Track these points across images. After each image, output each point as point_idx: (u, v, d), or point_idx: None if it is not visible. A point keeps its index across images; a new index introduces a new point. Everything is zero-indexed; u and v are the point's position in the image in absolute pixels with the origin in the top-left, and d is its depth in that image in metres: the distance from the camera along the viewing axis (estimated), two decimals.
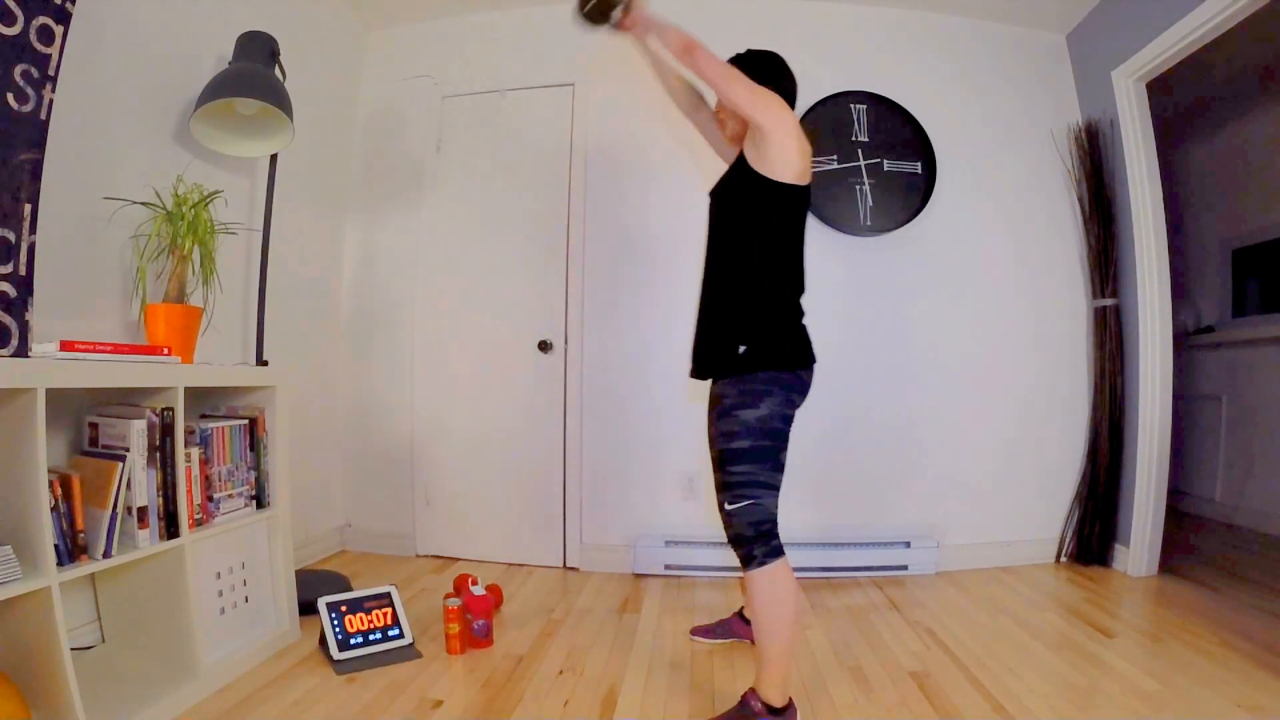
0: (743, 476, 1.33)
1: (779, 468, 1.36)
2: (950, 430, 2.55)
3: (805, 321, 1.44)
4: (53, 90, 1.42)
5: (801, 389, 1.40)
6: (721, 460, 1.36)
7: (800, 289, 1.44)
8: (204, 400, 1.80)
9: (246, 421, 1.72)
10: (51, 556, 1.15)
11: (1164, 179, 2.45)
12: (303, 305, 2.50)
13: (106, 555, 1.28)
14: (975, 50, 2.66)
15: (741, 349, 1.35)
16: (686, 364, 2.47)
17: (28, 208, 1.38)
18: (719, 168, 2.57)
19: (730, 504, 1.34)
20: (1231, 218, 3.39)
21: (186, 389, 1.48)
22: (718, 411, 1.38)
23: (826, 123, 2.55)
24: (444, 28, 2.77)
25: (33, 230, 1.39)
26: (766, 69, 1.50)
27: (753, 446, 1.33)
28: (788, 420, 1.37)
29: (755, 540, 1.31)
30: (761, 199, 1.38)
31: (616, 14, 1.50)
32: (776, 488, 1.36)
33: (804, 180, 1.39)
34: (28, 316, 1.39)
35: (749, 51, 1.55)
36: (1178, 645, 1.77)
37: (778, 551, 1.32)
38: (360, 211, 2.78)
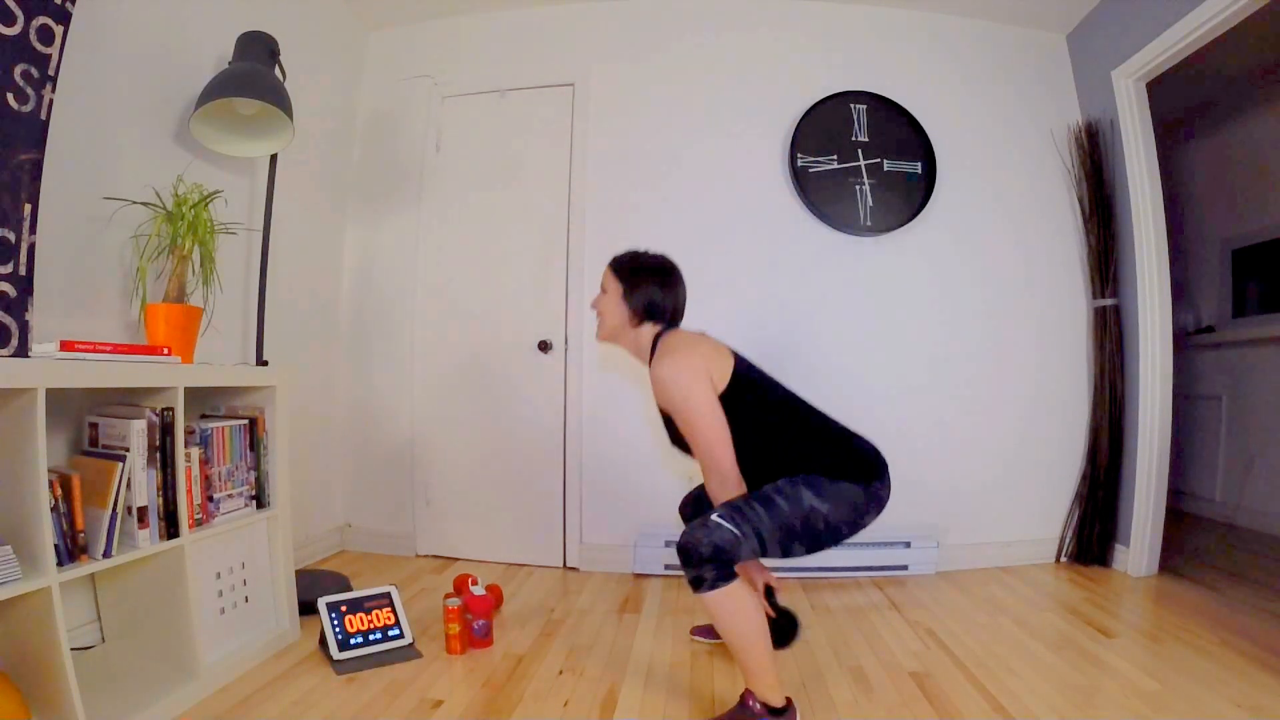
0: (756, 519, 1.28)
1: (784, 550, 1.32)
2: (950, 430, 2.55)
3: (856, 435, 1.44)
4: (53, 90, 1.43)
5: (874, 504, 1.37)
6: (754, 497, 1.32)
7: (822, 417, 1.44)
8: (204, 400, 1.80)
9: (246, 421, 1.72)
10: (51, 556, 1.15)
11: (1164, 179, 2.44)
12: (303, 305, 2.50)
13: (106, 555, 1.28)
14: (975, 50, 2.66)
15: (825, 462, 1.36)
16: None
17: (28, 208, 1.38)
18: (719, 166, 2.58)
19: (722, 519, 1.26)
20: (1231, 218, 3.39)
21: (186, 389, 1.48)
22: (788, 475, 1.36)
23: (827, 123, 2.55)
24: (444, 28, 2.77)
25: (33, 230, 1.39)
26: (644, 288, 1.49)
27: (787, 514, 1.29)
28: (834, 531, 1.33)
29: (708, 562, 1.23)
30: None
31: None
32: (764, 553, 1.31)
33: (727, 371, 1.39)
34: (28, 316, 1.39)
35: (636, 264, 1.52)
36: (1178, 645, 1.77)
37: (729, 576, 1.25)
38: (360, 211, 2.78)
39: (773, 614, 1.50)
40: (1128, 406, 2.48)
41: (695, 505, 1.74)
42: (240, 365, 1.94)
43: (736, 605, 1.26)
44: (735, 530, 1.25)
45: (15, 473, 1.17)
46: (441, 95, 2.73)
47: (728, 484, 1.37)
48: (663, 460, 2.51)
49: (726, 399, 1.37)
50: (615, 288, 1.51)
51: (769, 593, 1.57)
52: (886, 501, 1.40)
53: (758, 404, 1.40)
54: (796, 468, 1.36)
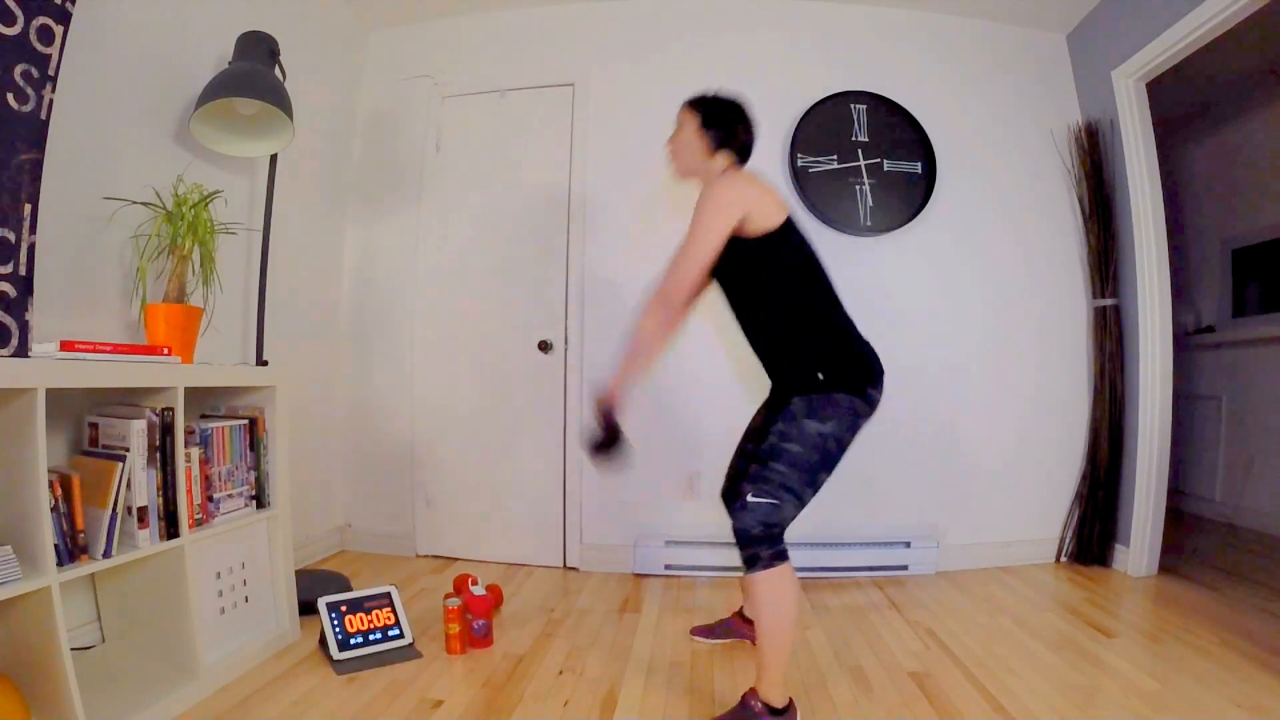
0: (780, 477, 1.32)
1: (814, 485, 1.35)
2: (950, 430, 2.55)
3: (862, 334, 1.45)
4: (53, 90, 1.43)
5: (870, 409, 1.40)
6: (766, 454, 1.35)
7: (837, 304, 1.45)
8: (204, 400, 1.80)
9: (246, 421, 1.72)
10: (51, 556, 1.15)
11: (1164, 179, 2.45)
12: (303, 305, 2.50)
13: (106, 555, 1.28)
14: (975, 50, 2.66)
15: (820, 376, 1.36)
16: (686, 364, 2.47)
17: (28, 208, 1.38)
18: None
19: (755, 495, 1.31)
20: (1231, 218, 3.39)
21: (186, 389, 1.48)
22: (783, 412, 1.37)
23: (826, 123, 2.55)
24: (444, 28, 2.77)
25: (33, 230, 1.39)
26: (722, 115, 1.51)
27: (802, 455, 1.32)
28: (843, 446, 1.36)
29: (762, 541, 1.30)
30: (752, 258, 1.39)
31: (618, 436, 1.50)
32: (803, 502, 1.35)
33: (782, 215, 1.39)
34: (28, 316, 1.39)
35: (712, 98, 1.55)
36: (1178, 645, 1.77)
37: (783, 555, 1.32)
38: (360, 211, 2.78)
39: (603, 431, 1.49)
40: (1128, 406, 2.48)
41: (731, 488, 1.73)
42: (240, 365, 1.94)
43: (783, 589, 1.30)
44: (771, 499, 1.30)
45: (15, 473, 1.17)
46: (441, 95, 2.73)
47: (666, 306, 1.41)
48: (663, 459, 2.51)
49: (773, 240, 1.38)
50: (691, 119, 1.52)
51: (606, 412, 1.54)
52: (878, 405, 1.42)
53: (798, 257, 1.41)
54: (800, 352, 1.39)
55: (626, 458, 1.51)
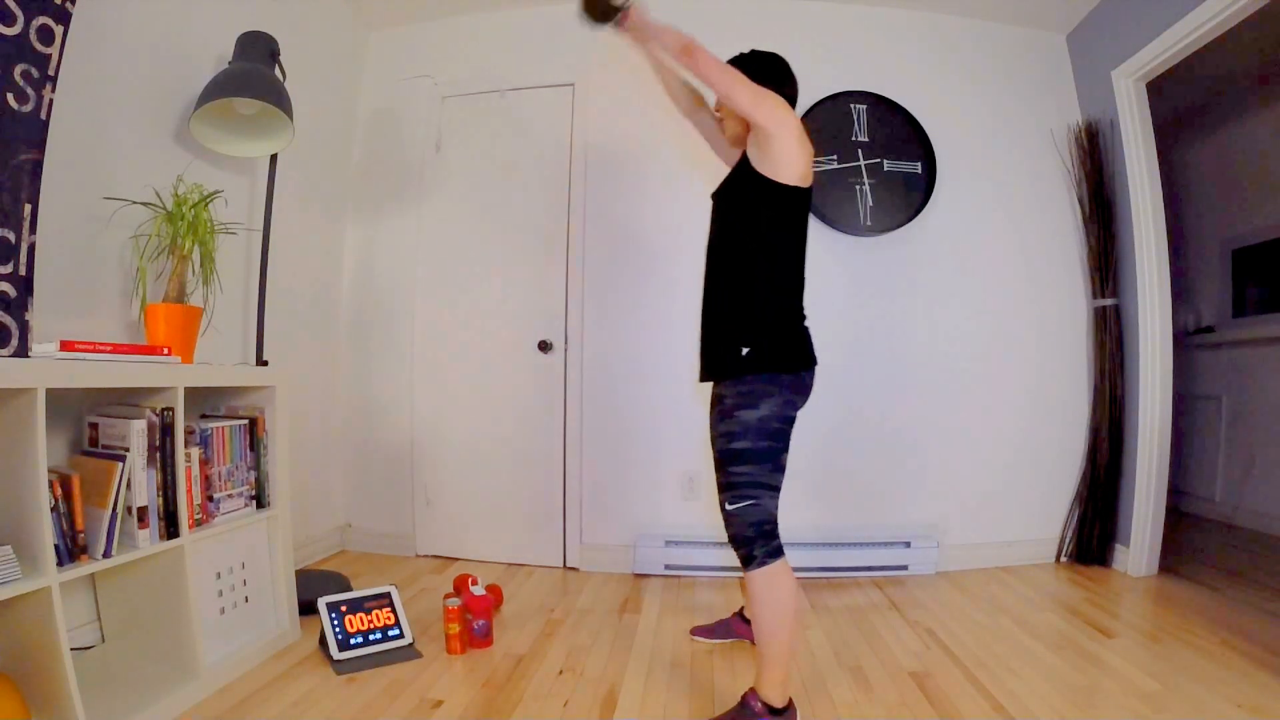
0: (743, 477, 1.33)
1: (779, 469, 1.36)
2: (950, 430, 2.55)
3: (808, 323, 1.45)
4: (53, 90, 1.43)
5: (802, 390, 1.40)
6: (722, 461, 1.37)
7: (800, 290, 1.44)
8: (204, 400, 1.80)
9: (246, 421, 1.72)
10: (51, 556, 1.15)
11: (1164, 179, 2.45)
12: (303, 305, 2.50)
13: (106, 555, 1.28)
14: (975, 50, 2.66)
15: (744, 351, 1.36)
16: (686, 364, 2.47)
17: (28, 208, 1.38)
18: (719, 168, 2.58)
19: (731, 504, 1.34)
20: (1231, 218, 3.39)
21: (186, 389, 1.48)
22: (718, 412, 1.39)
23: (826, 123, 2.55)
24: (444, 28, 2.77)
25: (33, 230, 1.39)
26: (768, 71, 1.50)
27: (753, 447, 1.33)
28: (788, 421, 1.37)
29: (755, 540, 1.31)
30: (763, 200, 1.38)
31: (617, 16, 1.51)
32: (777, 488, 1.36)
33: (806, 182, 1.39)
34: (28, 316, 1.39)
35: (752, 52, 1.55)
36: (1178, 645, 1.77)
37: (778, 552, 1.32)
38: (360, 211, 2.78)
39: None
40: (1128, 406, 2.48)
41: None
42: (240, 365, 1.94)
43: (780, 585, 1.31)
44: (748, 500, 1.32)
45: (15, 473, 1.17)
46: (441, 95, 2.73)
47: (690, 54, 1.41)
48: (663, 460, 2.51)
49: (790, 196, 1.37)
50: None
51: None
52: (810, 389, 1.43)
53: (794, 231, 1.41)
54: (738, 320, 1.38)
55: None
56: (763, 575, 1.31)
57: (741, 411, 1.34)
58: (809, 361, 1.41)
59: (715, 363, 1.43)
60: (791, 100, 1.51)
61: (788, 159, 1.34)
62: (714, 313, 1.46)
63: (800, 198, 1.39)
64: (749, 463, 1.33)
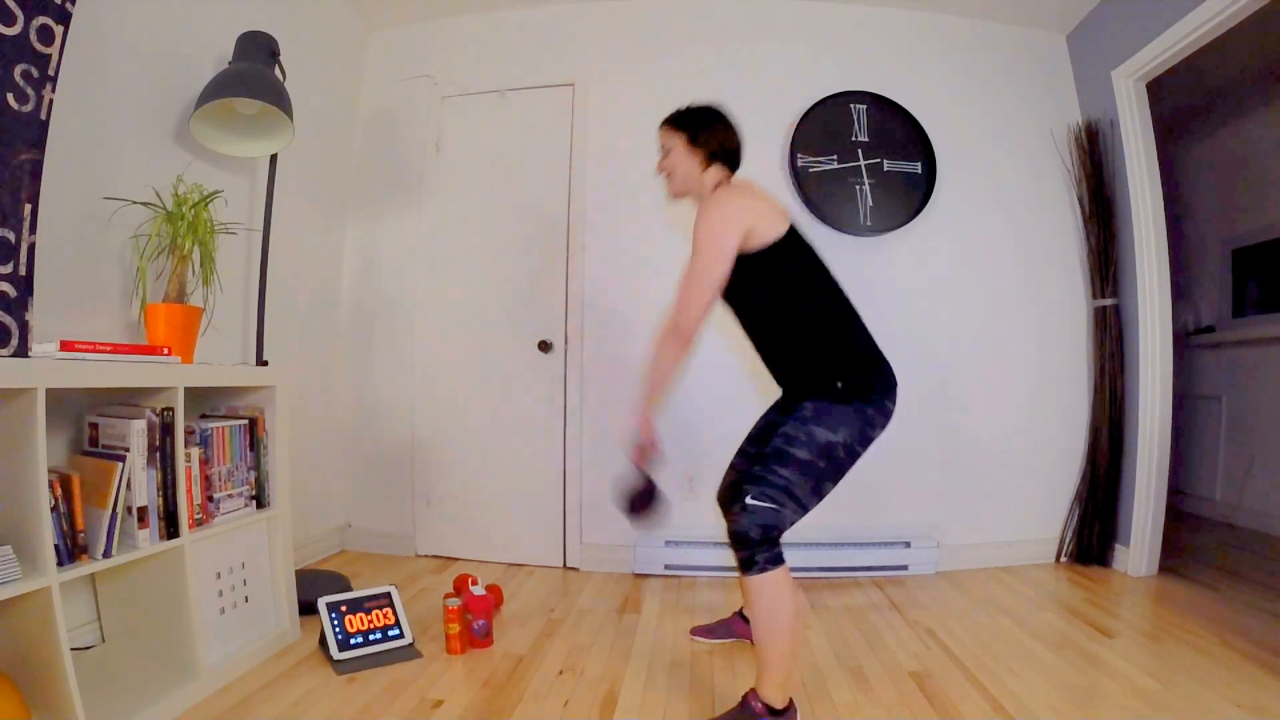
0: (783, 482, 1.30)
1: (819, 493, 1.33)
2: (950, 430, 2.55)
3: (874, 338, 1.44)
4: (53, 90, 1.43)
5: (884, 419, 1.37)
6: (771, 457, 1.33)
7: (849, 312, 1.43)
8: (204, 400, 1.80)
9: (246, 421, 1.72)
10: (51, 556, 1.15)
11: (1164, 179, 2.44)
12: (303, 305, 2.50)
13: (106, 555, 1.28)
14: (975, 50, 2.66)
15: (839, 384, 1.34)
16: (685, 364, 2.47)
17: (28, 208, 1.38)
18: None
19: (755, 499, 1.29)
20: (1231, 218, 3.39)
21: (186, 389, 1.48)
22: (794, 416, 1.36)
23: (826, 123, 2.55)
24: (444, 28, 2.77)
25: (33, 230, 1.39)
26: (706, 124, 1.49)
27: (808, 461, 1.30)
28: (854, 454, 1.34)
29: (760, 545, 1.28)
30: (760, 271, 1.38)
31: (654, 498, 1.47)
32: (805, 510, 1.33)
33: (784, 224, 1.38)
34: (28, 316, 1.39)
35: (693, 111, 1.53)
36: (1178, 645, 1.77)
37: (779, 559, 1.29)
38: (360, 211, 2.78)
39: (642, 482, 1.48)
40: (1128, 406, 2.48)
41: (730, 491, 1.73)
42: (240, 365, 1.94)
43: (779, 591, 1.28)
44: (771, 504, 1.28)
45: (15, 473, 1.17)
46: (441, 95, 2.73)
47: (681, 335, 1.39)
48: (662, 460, 2.51)
49: (778, 250, 1.36)
50: (678, 139, 1.50)
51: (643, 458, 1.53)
52: (892, 415, 1.39)
53: (806, 269, 1.40)
54: (822, 363, 1.37)
55: (663, 511, 1.46)
56: (762, 582, 1.28)
57: (816, 426, 1.31)
58: (891, 387, 1.39)
59: (806, 387, 1.40)
60: (730, 154, 1.50)
61: (754, 236, 1.35)
62: (782, 367, 1.46)
63: (788, 242, 1.38)
64: (797, 472, 1.30)
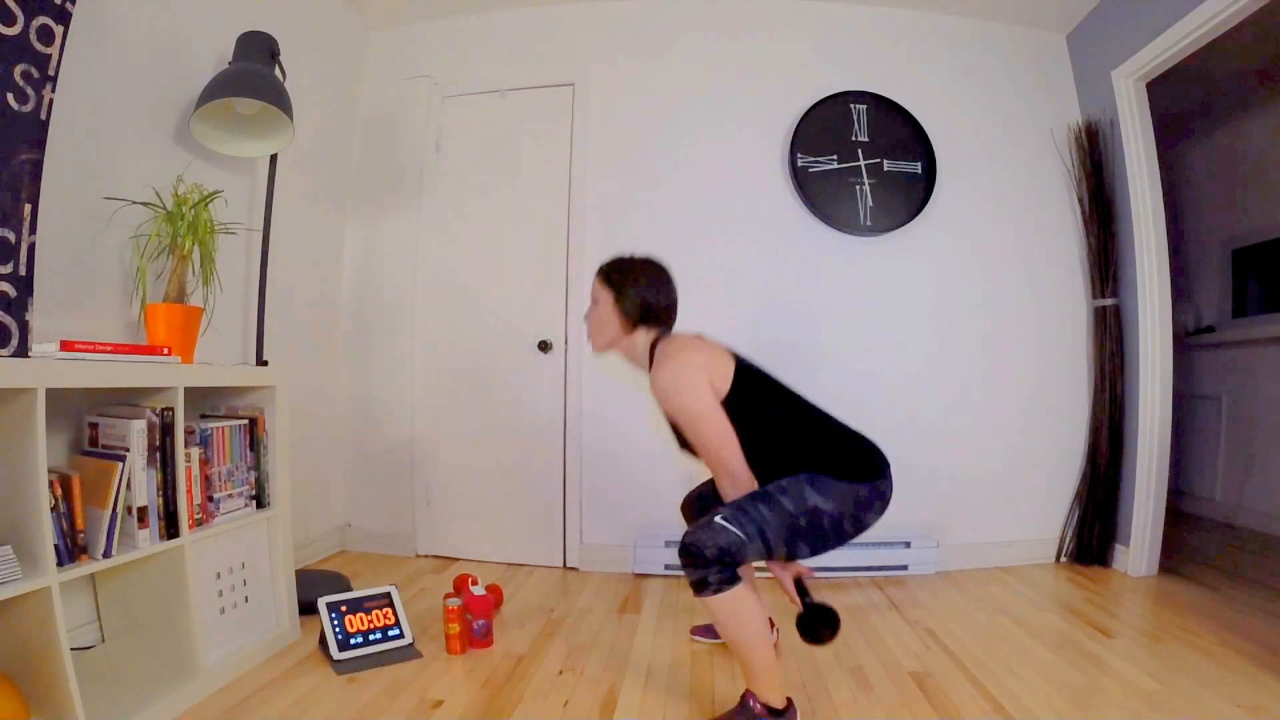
0: (759, 518, 1.26)
1: (790, 547, 1.28)
2: (950, 430, 2.55)
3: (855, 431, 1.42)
4: (53, 90, 1.43)
5: (879, 501, 1.35)
6: (757, 495, 1.30)
7: (820, 414, 1.42)
8: (204, 400, 1.80)
9: (246, 421, 1.72)
10: (51, 556, 1.15)
11: (1164, 179, 2.45)
12: (303, 305, 2.50)
13: (106, 555, 1.28)
14: (975, 50, 2.66)
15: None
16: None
17: (28, 208, 1.38)
18: (719, 166, 2.58)
19: (724, 520, 1.24)
20: (1231, 218, 3.39)
21: (186, 389, 1.48)
22: (791, 475, 1.34)
23: (826, 123, 2.55)
24: (444, 28, 2.77)
25: (33, 230, 1.39)
26: (635, 293, 1.46)
27: (790, 513, 1.27)
28: (839, 532, 1.31)
29: (713, 564, 1.21)
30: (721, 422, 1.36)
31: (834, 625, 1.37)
32: (770, 554, 1.29)
33: (729, 373, 1.37)
34: (28, 316, 1.39)
35: (624, 266, 1.50)
36: (1178, 645, 1.77)
37: (734, 579, 1.24)
38: (360, 211, 2.78)
39: (799, 606, 1.36)
40: (1128, 406, 2.48)
41: (698, 503, 1.74)
42: (240, 365, 1.94)
43: (739, 609, 1.25)
44: (740, 532, 1.23)
45: (15, 473, 1.17)
46: (441, 95, 2.73)
47: (739, 484, 1.35)
48: (663, 460, 2.51)
49: (731, 400, 1.36)
50: (606, 296, 1.49)
51: (799, 586, 1.41)
52: (889, 499, 1.38)
53: (762, 403, 1.39)
54: (801, 465, 1.34)
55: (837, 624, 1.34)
56: (718, 603, 1.24)
57: (808, 488, 1.29)
58: (883, 469, 1.36)
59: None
60: (667, 315, 1.49)
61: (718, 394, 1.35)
62: (767, 467, 1.39)
63: (739, 385, 1.37)
64: (776, 517, 1.26)
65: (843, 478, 1.32)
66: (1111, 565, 2.49)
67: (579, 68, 2.63)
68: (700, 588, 1.24)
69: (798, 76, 2.60)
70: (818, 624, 1.31)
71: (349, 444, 2.74)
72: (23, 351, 1.36)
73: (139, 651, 1.54)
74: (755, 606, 1.28)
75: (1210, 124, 3.45)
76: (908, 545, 2.42)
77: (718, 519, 1.25)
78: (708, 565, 1.22)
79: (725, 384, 1.37)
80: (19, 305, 1.37)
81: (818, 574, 2.39)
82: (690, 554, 1.23)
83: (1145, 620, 1.96)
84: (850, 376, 2.51)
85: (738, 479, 1.35)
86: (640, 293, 1.46)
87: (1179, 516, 3.29)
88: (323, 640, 1.68)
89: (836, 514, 1.30)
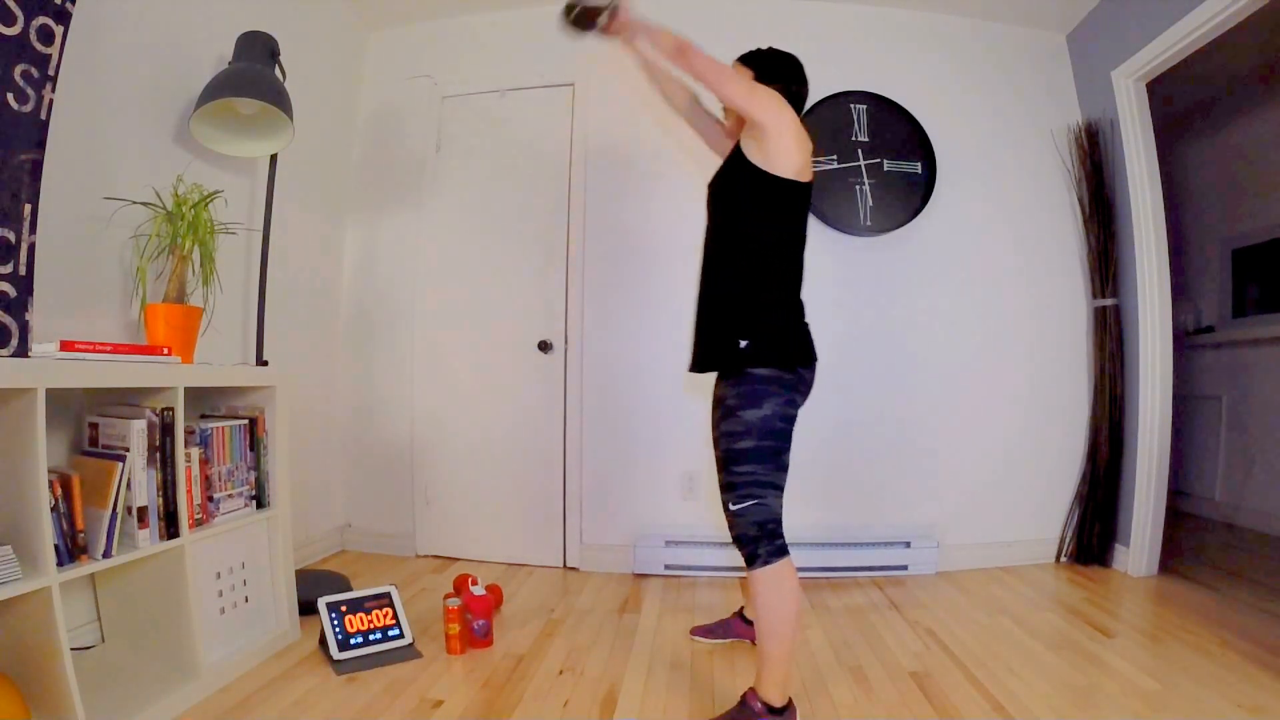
0: (747, 477, 1.33)
1: (782, 467, 1.36)
2: (950, 430, 2.55)
3: (807, 320, 1.44)
4: (53, 90, 1.43)
5: (803, 388, 1.40)
6: (725, 461, 1.36)
7: (799, 285, 1.44)
8: (204, 400, 1.80)
9: (246, 421, 1.72)
10: (51, 556, 1.15)
11: (1164, 179, 2.45)
12: (303, 305, 2.50)
13: (106, 555, 1.28)
14: (975, 50, 2.66)
15: (743, 344, 1.35)
16: (686, 364, 2.48)
17: (28, 208, 1.38)
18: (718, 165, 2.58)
19: (734, 504, 1.33)
20: (1231, 218, 3.39)
21: (186, 389, 1.48)
22: (720, 412, 1.38)
23: (827, 123, 2.55)
24: (444, 28, 2.77)
25: (33, 230, 1.39)
26: (777, 68, 1.48)
27: (756, 447, 1.33)
28: (789, 420, 1.37)
29: (759, 539, 1.31)
30: (757, 192, 1.37)
31: (603, 19, 1.43)
32: (781, 487, 1.36)
33: (803, 177, 1.38)
34: (28, 316, 1.39)
35: (767, 50, 1.53)
36: (1178, 645, 1.77)
37: (782, 550, 1.32)
38: (360, 211, 2.78)
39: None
40: (1128, 406, 2.48)
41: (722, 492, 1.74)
42: (240, 365, 1.95)
43: (782, 587, 1.30)
44: (751, 499, 1.32)
45: (15, 473, 1.17)
46: (441, 95, 2.73)
47: (683, 54, 1.37)
48: (663, 460, 2.51)
49: (788, 190, 1.36)
50: (745, 74, 1.47)
51: None
52: (811, 386, 1.42)
53: (792, 226, 1.41)
54: (743, 310, 1.37)
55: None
56: (766, 574, 1.30)
57: (744, 411, 1.33)
58: (809, 358, 1.41)
59: (710, 353, 1.42)
60: (799, 100, 1.50)
61: (782, 152, 1.34)
62: (710, 303, 1.45)
63: (796, 192, 1.38)
64: (753, 462, 1.33)
65: (761, 363, 1.34)
66: (1111, 565, 2.49)
67: (579, 68, 2.63)
68: (751, 561, 1.32)
69: None
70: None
71: (349, 444, 2.74)
72: (23, 351, 1.36)
73: (139, 651, 1.55)
74: (797, 596, 1.32)
75: (1210, 124, 3.45)
76: (908, 545, 2.42)
77: (731, 507, 1.34)
78: (755, 541, 1.31)
79: (794, 165, 1.34)
80: (19, 305, 1.37)
81: (818, 575, 2.39)
82: (738, 540, 1.34)
83: (1145, 620, 1.96)
84: (850, 376, 2.51)
85: (690, 56, 1.37)
86: (781, 74, 1.46)
87: (1179, 516, 3.29)
88: (323, 640, 1.68)
89: (779, 410, 1.34)
